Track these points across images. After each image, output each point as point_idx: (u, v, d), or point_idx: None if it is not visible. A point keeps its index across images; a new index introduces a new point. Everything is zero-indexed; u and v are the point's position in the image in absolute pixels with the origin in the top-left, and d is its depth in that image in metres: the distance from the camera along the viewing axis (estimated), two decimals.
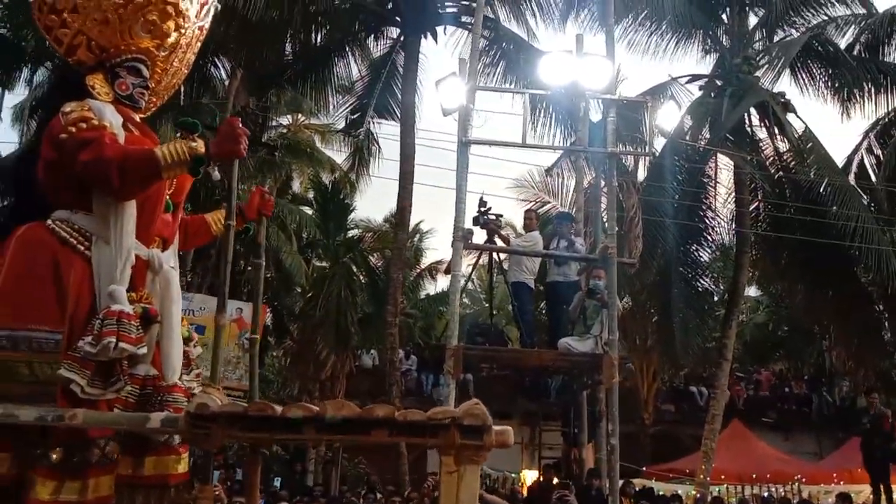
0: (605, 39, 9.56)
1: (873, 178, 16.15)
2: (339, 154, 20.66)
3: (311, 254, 22.05)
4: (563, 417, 10.59)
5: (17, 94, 20.57)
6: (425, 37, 14.30)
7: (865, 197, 15.45)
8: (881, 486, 11.23)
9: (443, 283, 25.63)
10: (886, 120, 15.77)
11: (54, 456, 2.47)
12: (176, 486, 2.82)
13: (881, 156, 16.02)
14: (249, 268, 17.66)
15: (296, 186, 25.11)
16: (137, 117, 3.08)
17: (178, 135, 3.02)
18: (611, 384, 7.78)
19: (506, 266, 9.46)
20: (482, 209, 8.86)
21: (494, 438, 2.36)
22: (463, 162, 8.29)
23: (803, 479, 14.06)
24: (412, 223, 18.60)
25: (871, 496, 11.48)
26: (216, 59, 15.63)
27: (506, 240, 9.47)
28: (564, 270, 8.97)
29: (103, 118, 2.79)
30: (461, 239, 8.15)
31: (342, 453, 16.28)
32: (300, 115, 22.95)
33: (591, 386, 8.69)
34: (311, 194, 23.11)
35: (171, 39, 3.19)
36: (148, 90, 3.13)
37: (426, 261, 26.74)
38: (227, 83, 18.38)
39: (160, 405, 2.70)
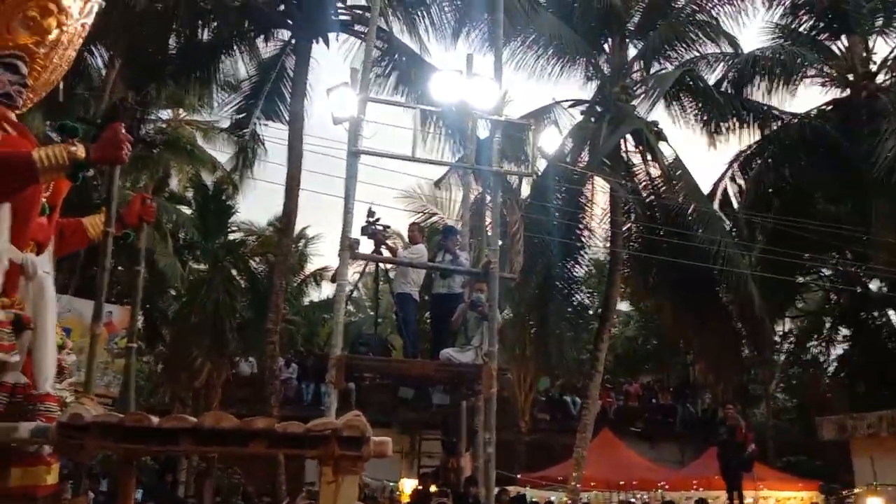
0: (493, 61, 9.84)
1: (735, 205, 17.49)
2: (222, 154, 20.11)
3: (187, 255, 21.25)
4: (442, 427, 10.75)
5: None
6: (317, 42, 14.23)
7: (728, 222, 16.73)
8: (734, 493, 12.11)
9: (327, 290, 25.40)
10: (749, 152, 17.15)
11: None
12: (44, 497, 2.72)
13: (743, 185, 17.39)
14: (121, 268, 16.86)
15: (174, 184, 24.16)
16: (13, 115, 2.96)
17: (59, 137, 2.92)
18: (489, 394, 8.00)
19: (392, 276, 9.55)
20: (370, 220, 8.91)
21: (373, 449, 2.44)
22: (352, 172, 8.32)
23: (666, 486, 14.89)
24: (298, 228, 18.38)
25: (727, 501, 12.33)
26: (94, 48, 14.86)
27: (393, 251, 9.57)
28: (449, 283, 9.16)
29: None
30: (348, 248, 8.17)
31: (216, 463, 15.80)
32: (181, 111, 22.15)
33: (471, 395, 8.91)
34: (190, 193, 22.34)
35: (52, 36, 3.10)
36: (26, 88, 3.01)
37: (311, 267, 26.42)
38: (104, 73, 17.55)
39: (31, 414, 2.61)
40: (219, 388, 16.53)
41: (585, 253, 15.93)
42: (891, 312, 19.07)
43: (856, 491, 14.34)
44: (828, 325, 22.05)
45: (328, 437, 2.42)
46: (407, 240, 11.02)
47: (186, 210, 21.31)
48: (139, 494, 12.53)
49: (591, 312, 20.20)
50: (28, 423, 2.47)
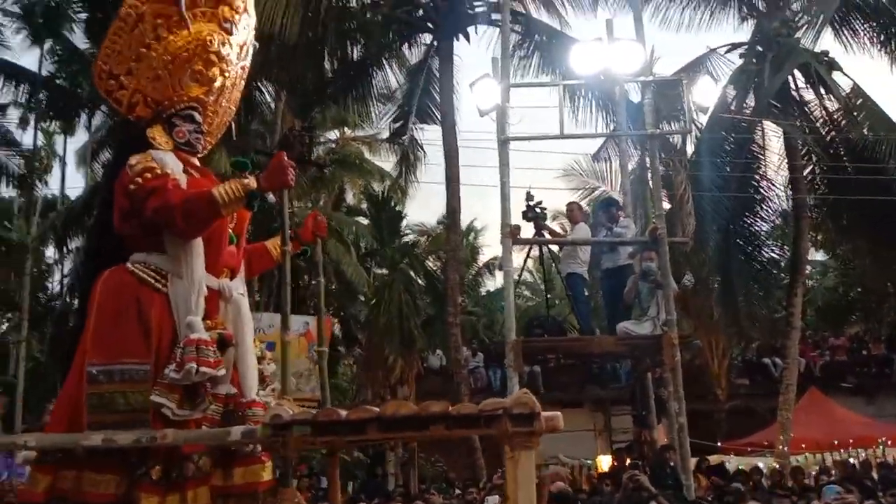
0: (633, 21, 9.56)
1: None
2: (386, 162, 21.05)
3: (370, 262, 22.50)
4: (631, 401, 10.64)
5: (78, 140, 21.75)
6: (458, 39, 14.53)
7: None
8: None
9: (501, 278, 25.69)
10: None
11: (154, 474, 2.79)
12: (264, 492, 3.11)
13: None
14: (313, 282, 18.13)
15: (349, 198, 25.63)
16: (196, 160, 3.37)
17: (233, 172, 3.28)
18: (673, 363, 7.82)
19: (560, 257, 9.58)
20: (530, 203, 8.99)
21: (545, 424, 2.54)
22: (504, 160, 8.45)
23: (889, 442, 13.68)
24: (464, 222, 18.86)
25: None
26: (260, 85, 16.13)
27: (554, 232, 9.61)
28: (613, 257, 9.03)
29: (165, 166, 3.10)
30: (509, 235, 8.32)
31: (418, 454, 16.61)
32: (346, 129, 23.43)
33: (654, 367, 8.76)
34: (364, 205, 23.61)
35: (217, 84, 3.48)
36: (203, 134, 3.41)
37: (483, 258, 26.96)
38: (273, 106, 18.99)
39: (242, 420, 2.98)
40: (412, 381, 17.34)
41: (766, 205, 14.95)
42: None
43: None
44: None
45: (500, 416, 2.55)
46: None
47: (363, 220, 22.56)
48: (350, 488, 13.51)
49: (782, 266, 18.91)
50: (239, 427, 2.84)
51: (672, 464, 8.19)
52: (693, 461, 9.74)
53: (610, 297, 9.22)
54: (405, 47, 15.88)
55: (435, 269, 20.84)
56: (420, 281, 19.48)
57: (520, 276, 10.30)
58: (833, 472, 11.39)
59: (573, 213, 9.60)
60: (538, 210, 8.77)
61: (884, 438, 13.67)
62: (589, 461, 13.89)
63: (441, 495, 10.14)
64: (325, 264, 11.14)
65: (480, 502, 5.70)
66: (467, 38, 14.54)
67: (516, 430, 2.54)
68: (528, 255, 9.85)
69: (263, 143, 18.89)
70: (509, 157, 8.48)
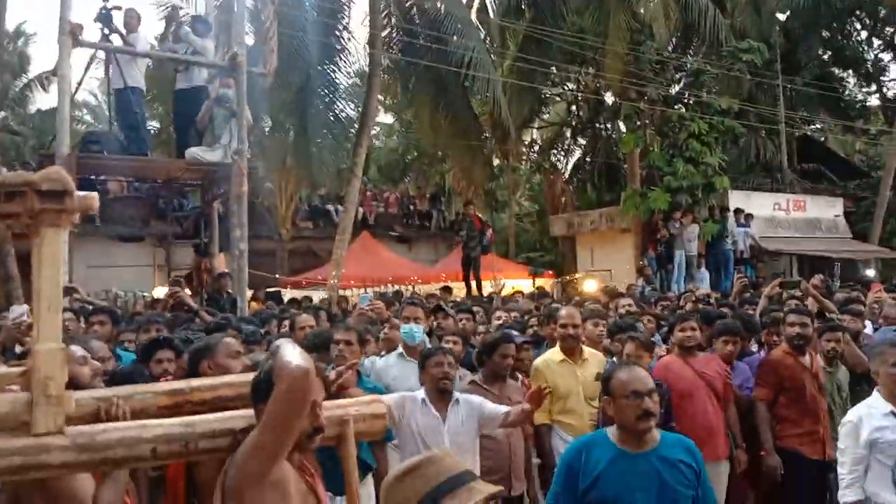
0: None
1: (491, 14, 17.88)
2: None
3: None
4: (195, 231, 10.49)
5: None
6: None
7: (483, 31, 17.14)
8: (472, 279, 13.41)
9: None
10: None
11: None
12: None
13: None
14: None
15: None
16: None
17: None
18: (240, 192, 7.87)
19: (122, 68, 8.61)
20: (107, 4, 7.83)
21: (77, 202, 2.31)
22: None
23: (419, 280, 16.10)
24: (12, 23, 15.83)
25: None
26: None
27: (126, 41, 8.60)
28: (188, 76, 8.52)
29: None
30: (69, 34, 7.22)
31: None
32: None
33: (222, 196, 8.70)
34: None
35: None
36: None
37: (35, 69, 23.28)
38: None
39: None
40: None
41: (345, 57, 15.51)
42: (619, 123, 21.11)
43: (577, 276, 16.59)
44: (568, 135, 24.10)
45: (24, 191, 2.23)
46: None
47: None
48: None
49: (356, 124, 20.13)
50: None
51: (229, 290, 8.39)
52: (251, 292, 10.20)
53: (182, 119, 8.74)
54: None
55: None
56: None
57: (79, 85, 9.13)
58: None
59: (132, 20, 8.50)
60: (113, 13, 7.75)
61: (415, 277, 16.05)
62: (145, 293, 13.51)
63: None
64: None
65: None
66: None
67: (45, 208, 2.26)
68: (88, 65, 8.67)
69: None
70: None
